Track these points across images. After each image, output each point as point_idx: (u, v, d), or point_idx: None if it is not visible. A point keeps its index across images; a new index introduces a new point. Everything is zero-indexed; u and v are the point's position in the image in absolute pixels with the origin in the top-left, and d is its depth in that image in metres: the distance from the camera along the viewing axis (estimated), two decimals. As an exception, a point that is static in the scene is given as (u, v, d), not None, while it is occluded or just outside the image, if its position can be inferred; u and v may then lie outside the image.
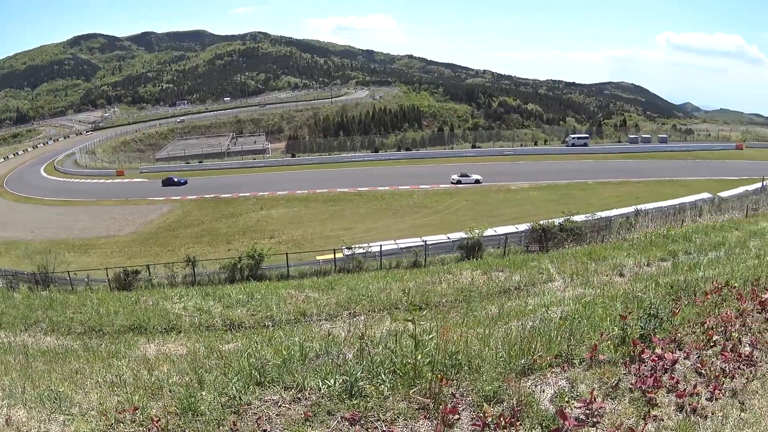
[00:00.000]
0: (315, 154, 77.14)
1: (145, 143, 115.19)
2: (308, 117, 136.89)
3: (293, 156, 76.34)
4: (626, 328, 4.18)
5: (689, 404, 3.50)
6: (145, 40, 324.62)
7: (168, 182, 59.06)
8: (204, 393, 3.59)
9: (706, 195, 35.68)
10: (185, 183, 59.26)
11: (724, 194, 34.94)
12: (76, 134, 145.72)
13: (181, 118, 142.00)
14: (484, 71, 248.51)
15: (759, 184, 38.09)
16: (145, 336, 8.44)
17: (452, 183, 51.14)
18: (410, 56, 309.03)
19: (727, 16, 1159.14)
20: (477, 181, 51.04)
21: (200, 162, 76.51)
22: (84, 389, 4.25)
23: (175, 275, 21.57)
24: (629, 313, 4.40)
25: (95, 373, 4.98)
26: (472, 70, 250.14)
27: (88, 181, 68.62)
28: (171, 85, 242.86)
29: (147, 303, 11.20)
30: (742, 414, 3.46)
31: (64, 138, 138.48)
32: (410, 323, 3.64)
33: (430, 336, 3.75)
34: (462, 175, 51.73)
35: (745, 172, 48.59)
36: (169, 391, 3.82)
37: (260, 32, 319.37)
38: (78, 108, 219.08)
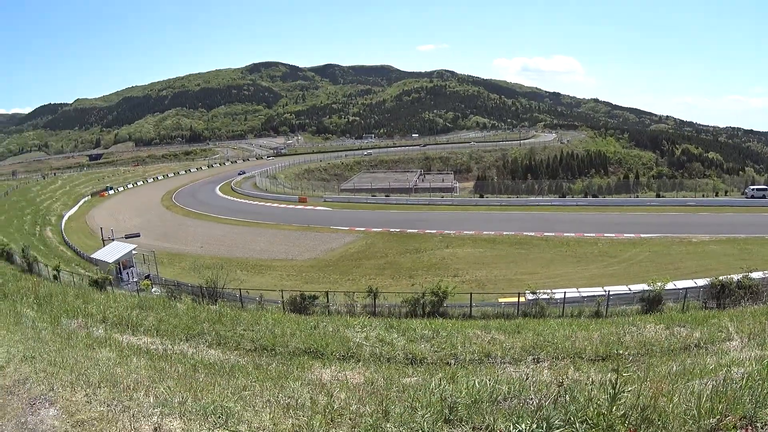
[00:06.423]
0: (503, 195, 77.96)
1: (329, 173, 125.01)
2: (497, 158, 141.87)
3: (481, 196, 77.07)
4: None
5: None
6: (328, 71, 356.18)
7: None
8: (389, 425, 3.69)
9: None
10: None
11: None
12: (257, 158, 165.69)
13: (369, 151, 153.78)
14: (667, 117, 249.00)
15: None
16: (321, 361, 8.78)
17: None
18: (596, 100, 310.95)
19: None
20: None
21: (387, 196, 79.98)
22: (253, 407, 4.35)
23: (354, 304, 22.49)
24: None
25: (266, 392, 5.06)
26: (656, 115, 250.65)
27: (267, 204, 75.77)
28: (357, 118, 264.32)
29: (327, 329, 11.80)
30: None
31: (243, 161, 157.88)
32: (615, 373, 3.63)
33: (631, 388, 3.72)
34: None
35: None
36: (350, 419, 3.95)
37: (446, 70, 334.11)
38: (258, 133, 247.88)
